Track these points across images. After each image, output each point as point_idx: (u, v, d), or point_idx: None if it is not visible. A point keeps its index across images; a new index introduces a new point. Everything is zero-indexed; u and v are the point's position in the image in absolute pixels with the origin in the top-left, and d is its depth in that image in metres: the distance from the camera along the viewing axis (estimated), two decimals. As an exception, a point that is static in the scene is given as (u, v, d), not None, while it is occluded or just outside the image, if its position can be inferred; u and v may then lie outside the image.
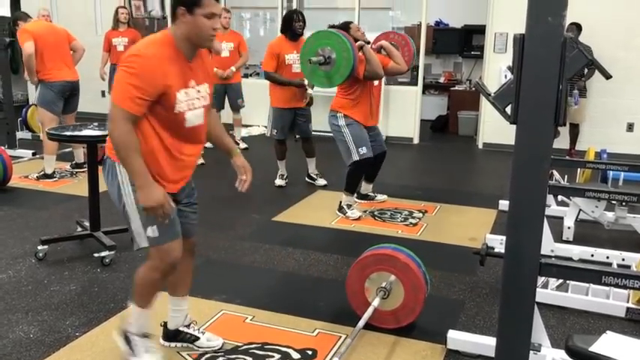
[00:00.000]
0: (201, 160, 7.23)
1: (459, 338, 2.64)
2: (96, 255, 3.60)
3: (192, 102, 2.26)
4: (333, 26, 4.73)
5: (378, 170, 4.92)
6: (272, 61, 5.16)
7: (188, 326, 2.64)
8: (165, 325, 2.64)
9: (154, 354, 2.45)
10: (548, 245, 3.74)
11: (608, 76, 2.99)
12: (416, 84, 8.04)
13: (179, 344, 2.63)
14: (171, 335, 2.63)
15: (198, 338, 2.62)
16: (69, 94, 5.54)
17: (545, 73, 1.36)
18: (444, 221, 4.60)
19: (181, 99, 2.21)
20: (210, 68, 2.46)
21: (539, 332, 2.50)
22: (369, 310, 2.72)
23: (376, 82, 4.53)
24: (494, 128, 7.30)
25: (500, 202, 4.72)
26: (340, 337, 2.76)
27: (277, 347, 2.66)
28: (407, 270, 2.76)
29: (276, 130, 5.37)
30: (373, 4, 9.37)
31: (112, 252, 3.59)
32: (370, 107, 4.52)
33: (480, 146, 7.69)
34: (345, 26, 4.51)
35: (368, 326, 2.75)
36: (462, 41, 9.93)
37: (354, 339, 2.61)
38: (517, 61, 1.39)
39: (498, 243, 3.80)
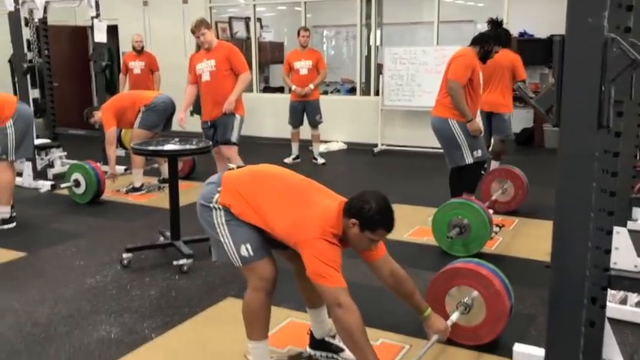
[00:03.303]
0: (322, 160, 7.43)
1: (525, 352, 2.57)
2: (175, 263, 3.80)
3: None
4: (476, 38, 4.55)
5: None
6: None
7: (333, 337, 2.67)
8: (311, 333, 2.71)
9: None
10: (632, 260, 3.54)
11: None
12: (498, 96, 7.86)
13: (324, 353, 2.67)
14: (317, 344, 2.68)
15: (343, 350, 2.63)
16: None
17: (586, 74, 1.34)
18: (521, 235, 4.48)
19: None
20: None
21: (611, 347, 2.40)
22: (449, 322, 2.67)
23: (481, 81, 4.54)
24: (580, 140, 6.99)
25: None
26: (403, 347, 2.77)
27: (340, 354, 2.69)
28: (491, 287, 2.70)
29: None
30: (454, 17, 9.30)
31: (190, 260, 3.78)
32: (474, 107, 4.48)
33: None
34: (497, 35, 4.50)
35: (416, 333, 2.77)
36: (548, 52, 9.61)
37: (427, 349, 2.54)
38: (558, 63, 1.38)
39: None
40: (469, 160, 4.43)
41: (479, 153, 4.44)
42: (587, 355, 2.34)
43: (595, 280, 2.31)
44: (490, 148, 5.87)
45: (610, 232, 2.28)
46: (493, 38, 4.48)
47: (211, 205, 2.37)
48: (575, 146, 1.40)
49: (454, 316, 2.69)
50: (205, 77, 5.02)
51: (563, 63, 1.37)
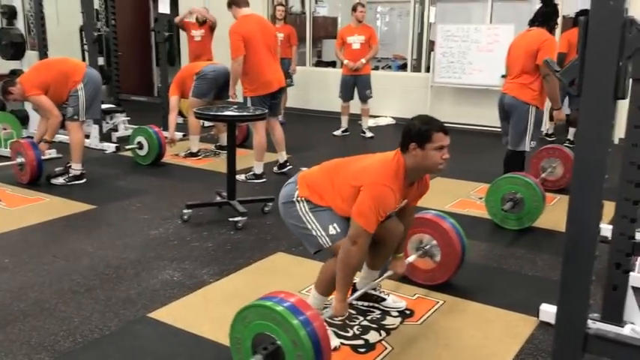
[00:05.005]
0: (370, 134, 7.60)
1: (551, 311, 2.76)
2: (231, 219, 4.12)
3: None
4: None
5: None
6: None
7: (375, 289, 2.96)
8: (353, 285, 2.89)
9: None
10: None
11: None
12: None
13: (366, 303, 2.97)
14: (360, 295, 2.91)
15: (384, 299, 2.94)
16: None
17: (605, 51, 1.52)
18: (559, 211, 4.60)
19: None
20: (425, 184, 2.69)
21: (633, 311, 2.57)
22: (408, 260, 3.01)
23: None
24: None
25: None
26: (437, 302, 3.01)
27: (382, 304, 2.96)
28: (446, 236, 3.06)
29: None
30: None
31: (245, 218, 4.10)
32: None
33: (616, 141, 7.36)
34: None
35: (450, 291, 3.11)
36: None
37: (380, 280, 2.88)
38: (582, 39, 1.57)
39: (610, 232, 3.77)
40: (527, 147, 4.54)
41: (534, 144, 4.56)
42: (609, 317, 2.54)
43: (620, 246, 2.49)
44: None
45: (636, 203, 2.45)
46: (555, 14, 4.54)
47: (294, 199, 2.61)
48: (594, 114, 1.59)
49: (411, 258, 3.05)
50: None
51: (586, 40, 1.55)
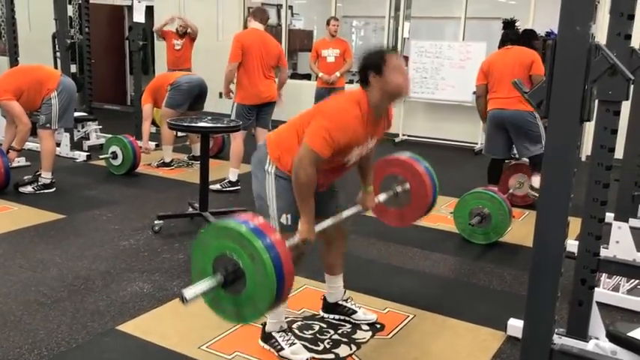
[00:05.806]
0: None
1: (519, 325, 2.80)
2: (203, 231, 4.08)
3: (360, 153, 2.54)
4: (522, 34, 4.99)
5: None
6: None
7: (346, 300, 2.96)
8: (324, 298, 2.96)
9: (296, 345, 2.61)
10: (631, 254, 3.75)
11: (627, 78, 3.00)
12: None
13: (336, 316, 2.96)
14: (331, 308, 2.95)
15: (355, 312, 2.93)
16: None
17: (572, 75, 1.57)
18: (529, 226, 4.69)
19: (355, 153, 2.52)
20: (389, 120, 2.67)
21: (597, 326, 2.62)
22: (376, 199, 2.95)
23: None
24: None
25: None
26: (408, 316, 3.03)
27: (350, 319, 2.96)
28: (419, 178, 3.02)
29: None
30: (480, 14, 9.43)
31: (216, 230, 4.07)
32: None
33: (584, 158, 7.53)
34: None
35: (421, 305, 3.09)
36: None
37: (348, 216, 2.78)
38: (550, 63, 1.62)
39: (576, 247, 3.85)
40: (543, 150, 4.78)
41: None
42: (575, 332, 2.59)
43: (585, 263, 2.56)
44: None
45: (602, 220, 2.52)
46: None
47: (266, 167, 2.53)
48: (561, 136, 1.63)
49: (381, 197, 2.98)
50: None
51: (554, 64, 1.60)
